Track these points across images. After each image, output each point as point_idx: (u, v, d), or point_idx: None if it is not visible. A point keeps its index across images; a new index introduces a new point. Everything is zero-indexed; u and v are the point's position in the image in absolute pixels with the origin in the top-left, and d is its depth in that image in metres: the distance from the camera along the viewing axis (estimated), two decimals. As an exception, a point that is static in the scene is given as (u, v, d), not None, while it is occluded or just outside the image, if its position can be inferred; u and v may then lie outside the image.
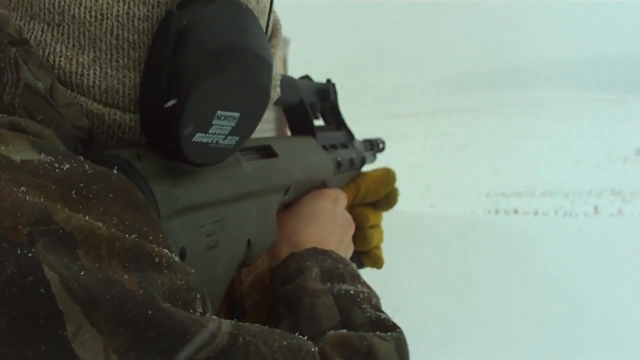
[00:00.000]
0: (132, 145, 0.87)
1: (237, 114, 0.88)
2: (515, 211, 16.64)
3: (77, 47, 0.82)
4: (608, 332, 5.76)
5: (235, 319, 0.71)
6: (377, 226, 1.71)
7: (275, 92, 1.10)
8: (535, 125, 46.27)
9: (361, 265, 1.71)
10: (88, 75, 0.82)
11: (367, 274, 1.75)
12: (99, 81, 0.82)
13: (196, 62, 0.80)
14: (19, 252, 0.55)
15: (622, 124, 45.74)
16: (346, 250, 1.42)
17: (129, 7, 0.82)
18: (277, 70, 1.11)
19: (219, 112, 0.85)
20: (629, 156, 31.16)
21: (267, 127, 12.38)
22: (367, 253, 1.69)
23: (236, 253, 1.04)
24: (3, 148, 0.64)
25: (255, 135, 1.01)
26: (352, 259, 1.51)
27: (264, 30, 0.96)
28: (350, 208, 1.62)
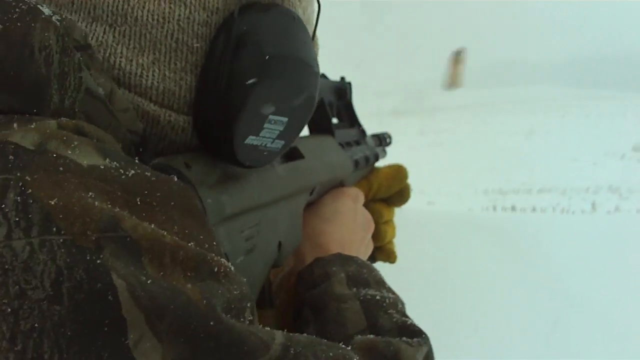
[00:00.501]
0: (182, 148, 0.91)
1: (285, 119, 0.93)
2: (513, 208, 16.65)
3: (138, 49, 0.89)
4: (606, 328, 5.77)
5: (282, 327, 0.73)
6: (390, 221, 1.74)
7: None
8: (531, 122, 46.31)
9: (373, 260, 1.73)
10: (147, 76, 0.89)
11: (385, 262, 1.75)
12: (157, 82, 0.87)
13: (254, 67, 0.87)
14: (87, 258, 0.58)
15: (619, 121, 45.73)
16: (367, 248, 1.46)
17: (190, 12, 0.89)
18: None
19: (270, 117, 0.88)
20: (626, 153, 31.16)
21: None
22: (380, 248, 1.73)
23: (269, 255, 1.07)
24: (70, 152, 0.68)
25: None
26: None
27: (311, 39, 1.00)
28: (365, 204, 1.64)
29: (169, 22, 0.88)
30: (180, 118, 0.89)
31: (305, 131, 1.62)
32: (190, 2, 0.89)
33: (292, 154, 1.29)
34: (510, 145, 34.06)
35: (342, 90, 1.71)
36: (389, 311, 1.06)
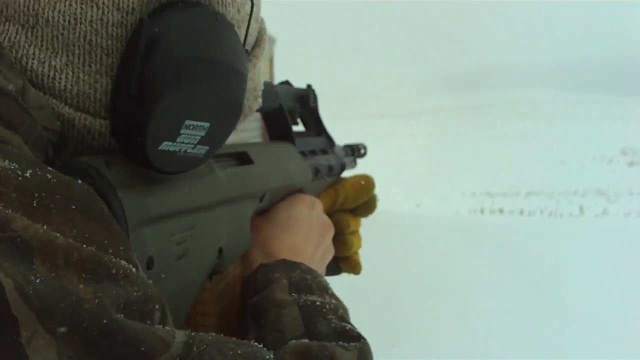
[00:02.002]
0: (103, 151, 0.87)
1: (206, 124, 0.88)
2: (501, 211, 16.70)
3: (50, 51, 0.82)
4: (593, 331, 5.79)
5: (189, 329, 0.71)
6: (356, 232, 1.71)
7: (256, 102, 1.10)
8: (520, 125, 46.43)
9: (339, 270, 1.71)
10: (60, 78, 0.83)
11: (350, 274, 1.75)
12: (71, 85, 0.83)
13: (165, 71, 0.81)
14: None
15: (607, 124, 45.97)
16: (324, 254, 1.42)
17: (103, 13, 0.82)
18: (259, 81, 1.11)
19: (187, 122, 0.85)
20: (614, 157, 31.31)
21: (253, 134, 12.35)
22: (346, 259, 1.69)
23: (207, 261, 1.03)
24: None
25: (242, 133, 1.02)
26: (329, 264, 1.51)
27: (242, 40, 0.96)
28: (330, 214, 1.62)
29: (81, 23, 0.83)
30: (97, 122, 0.84)
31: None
32: (103, 3, 0.83)
33: (240, 159, 1.26)
34: (499, 148, 34.11)
35: (305, 97, 1.68)
36: (328, 316, 1.04)
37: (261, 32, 1.09)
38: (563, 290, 6.72)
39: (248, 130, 11.57)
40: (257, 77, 1.07)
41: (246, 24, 0.99)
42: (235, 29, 0.93)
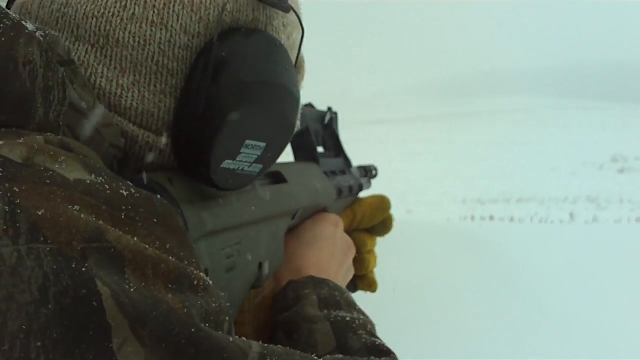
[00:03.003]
0: (163, 168, 0.91)
1: (263, 144, 0.94)
2: (491, 218, 16.70)
3: (119, 70, 0.87)
4: (584, 338, 5.80)
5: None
6: (372, 251, 1.75)
7: (297, 125, 1.13)
8: (511, 132, 46.54)
9: (355, 289, 1.74)
10: (127, 97, 0.87)
11: (367, 292, 1.77)
12: (137, 104, 0.87)
13: (231, 93, 0.85)
14: (73, 266, 0.57)
15: (598, 131, 46.10)
16: (347, 273, 1.46)
17: (171, 36, 0.87)
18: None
19: (247, 142, 0.90)
20: (604, 163, 31.39)
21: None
22: (362, 277, 1.73)
23: (249, 275, 1.07)
24: (57, 166, 0.67)
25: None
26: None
27: (294, 65, 1.00)
28: (347, 233, 1.64)
29: (150, 44, 0.87)
30: (159, 140, 0.89)
31: (291, 157, 1.65)
32: (172, 26, 0.88)
33: (275, 178, 1.29)
34: (490, 155, 34.19)
35: (329, 119, 1.72)
36: (358, 332, 1.07)
37: (301, 60, 1.13)
38: (553, 296, 6.73)
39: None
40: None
41: (296, 51, 1.04)
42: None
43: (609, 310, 6.53)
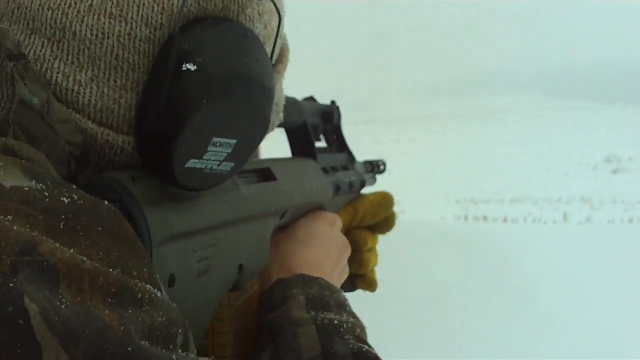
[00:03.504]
0: (127, 167, 0.87)
1: (234, 141, 0.88)
2: (485, 218, 16.71)
3: (76, 65, 0.83)
4: (577, 338, 5.80)
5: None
6: (373, 249, 1.72)
7: (278, 118, 1.10)
8: (505, 132, 46.62)
9: (354, 288, 1.71)
10: (85, 93, 0.83)
11: (366, 291, 1.75)
12: (95, 100, 0.83)
13: (195, 88, 0.81)
14: (1, 281, 0.54)
15: (592, 132, 46.17)
16: (341, 273, 1.42)
17: (132, 28, 0.83)
18: (281, 96, 1.11)
19: (215, 139, 0.85)
20: (598, 164, 31.45)
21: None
22: (362, 276, 1.70)
23: (227, 278, 1.03)
24: None
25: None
26: (345, 281, 1.52)
27: (270, 56, 0.96)
28: (348, 231, 1.62)
29: (108, 38, 0.83)
30: (120, 138, 0.84)
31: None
32: (132, 18, 0.83)
33: (264, 175, 1.25)
34: (483, 155, 34.23)
35: (329, 113, 1.68)
36: (345, 337, 1.03)
37: (284, 49, 1.10)
38: (547, 296, 6.73)
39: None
40: (279, 93, 1.07)
41: (273, 40, 0.99)
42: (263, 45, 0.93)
43: (603, 310, 6.53)
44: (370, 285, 1.72)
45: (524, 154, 34.31)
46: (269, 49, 0.98)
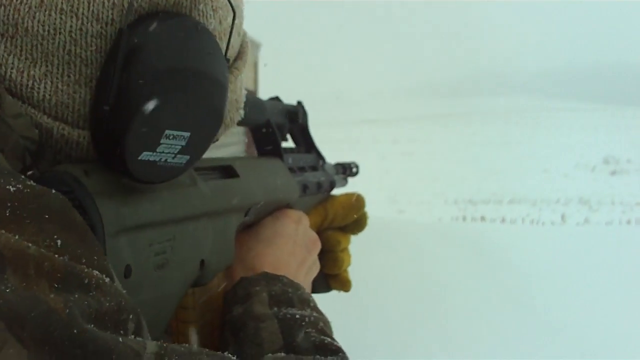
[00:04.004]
0: (82, 160, 0.87)
1: (187, 134, 0.88)
2: (483, 218, 16.73)
3: (30, 60, 0.82)
4: (574, 338, 5.81)
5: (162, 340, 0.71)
6: (346, 249, 1.71)
7: (238, 114, 1.10)
8: (503, 133, 46.61)
9: (329, 288, 1.71)
10: (39, 88, 0.83)
11: (340, 291, 1.75)
12: (49, 95, 0.83)
13: (143, 81, 0.81)
14: None
15: (590, 133, 46.18)
16: (310, 270, 1.42)
17: (82, 24, 0.83)
18: (241, 92, 1.11)
19: (167, 132, 0.85)
20: (596, 165, 31.46)
21: (235, 149, 12.29)
22: (336, 276, 1.69)
23: (188, 273, 1.02)
24: None
25: (226, 148, 1.01)
26: (319, 282, 1.52)
27: (224, 51, 0.96)
28: (319, 232, 1.62)
29: (60, 33, 0.83)
30: (75, 132, 0.84)
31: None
32: (82, 13, 0.84)
33: (225, 172, 1.25)
34: (482, 155, 34.21)
35: (294, 113, 1.67)
36: (307, 330, 1.03)
37: (243, 45, 1.09)
38: (544, 297, 6.74)
39: (230, 145, 11.48)
40: (238, 89, 1.07)
41: (227, 36, 0.99)
42: (217, 40, 0.92)
43: (600, 311, 6.53)
44: (344, 285, 1.71)
45: (522, 155, 34.31)
46: (224, 45, 0.98)
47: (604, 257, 7.85)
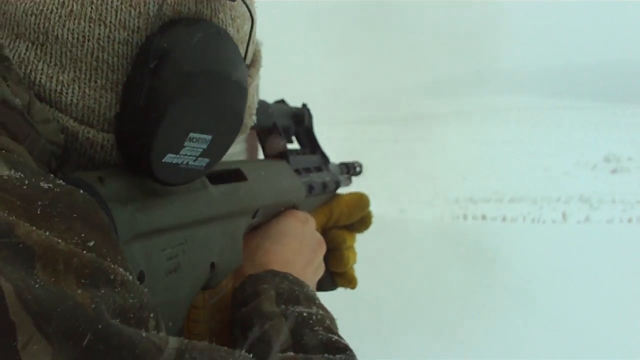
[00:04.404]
0: (100, 166, 0.91)
1: (209, 137, 0.92)
2: (484, 217, 16.71)
3: (58, 66, 0.87)
4: (575, 337, 5.81)
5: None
6: (351, 247, 1.74)
7: (251, 120, 1.13)
8: (504, 131, 46.54)
9: (334, 286, 1.73)
10: (67, 93, 0.87)
11: (346, 288, 1.76)
12: (77, 100, 0.88)
13: (172, 84, 0.85)
14: None
15: (591, 131, 46.10)
16: (316, 270, 1.45)
17: (110, 31, 0.87)
18: (254, 99, 1.14)
19: (191, 134, 0.89)
20: (597, 163, 31.40)
21: (237, 150, 12.29)
22: (342, 274, 1.72)
23: (198, 276, 1.05)
24: None
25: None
26: (325, 279, 1.54)
27: (243, 57, 0.99)
28: (325, 230, 1.65)
29: (89, 40, 0.87)
30: (100, 135, 0.90)
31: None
32: (110, 22, 0.88)
33: (234, 175, 1.27)
34: (482, 154, 34.14)
35: (300, 115, 1.70)
36: (314, 328, 1.04)
37: (257, 54, 1.13)
38: (545, 295, 6.75)
39: (232, 152, 11.44)
40: (252, 96, 1.11)
41: (245, 43, 1.03)
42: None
43: (601, 309, 6.54)
44: (350, 282, 1.74)
45: (523, 153, 34.25)
46: (241, 51, 1.01)
47: (605, 255, 7.86)
